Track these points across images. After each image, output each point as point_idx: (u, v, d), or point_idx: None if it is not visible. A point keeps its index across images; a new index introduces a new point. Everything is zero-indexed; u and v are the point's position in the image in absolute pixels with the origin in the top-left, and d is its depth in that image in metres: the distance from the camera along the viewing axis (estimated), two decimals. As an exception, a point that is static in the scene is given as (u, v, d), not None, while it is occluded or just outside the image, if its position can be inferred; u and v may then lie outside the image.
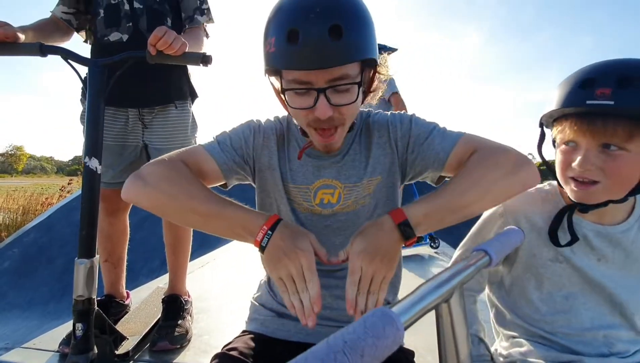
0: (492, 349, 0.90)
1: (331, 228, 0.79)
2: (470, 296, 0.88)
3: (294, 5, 0.61)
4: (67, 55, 1.07)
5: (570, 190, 0.71)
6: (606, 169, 0.66)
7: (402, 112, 0.83)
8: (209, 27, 1.43)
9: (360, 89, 0.67)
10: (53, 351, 1.19)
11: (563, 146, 0.71)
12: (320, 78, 0.62)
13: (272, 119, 0.85)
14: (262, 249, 0.61)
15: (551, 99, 0.74)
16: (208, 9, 1.39)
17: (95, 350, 1.02)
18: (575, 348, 0.77)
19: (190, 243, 1.49)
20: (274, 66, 0.65)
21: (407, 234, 0.60)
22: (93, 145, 1.04)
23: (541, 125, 0.79)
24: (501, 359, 0.85)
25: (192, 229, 1.48)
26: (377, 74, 0.72)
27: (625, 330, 0.78)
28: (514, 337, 0.84)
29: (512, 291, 0.85)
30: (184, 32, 1.33)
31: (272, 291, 0.85)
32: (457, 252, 0.92)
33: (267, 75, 0.70)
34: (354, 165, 0.79)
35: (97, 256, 1.05)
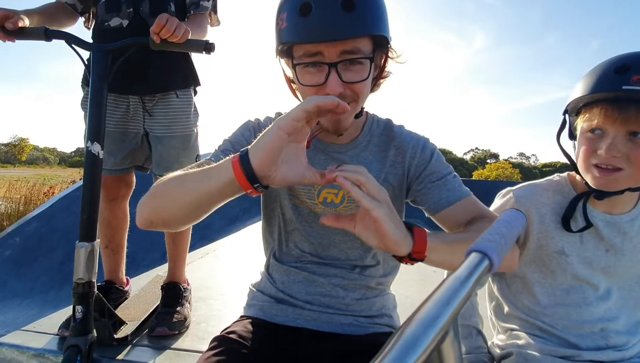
0: (489, 342, 0.89)
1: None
2: None
3: None
4: (71, 40, 1.07)
5: (592, 177, 0.71)
6: (632, 157, 0.66)
7: (425, 137, 0.81)
8: (220, 19, 1.42)
9: (372, 65, 0.65)
10: (53, 334, 1.20)
11: (588, 133, 0.71)
12: (332, 51, 0.61)
13: (272, 115, 0.83)
14: (244, 161, 0.53)
15: (576, 88, 0.73)
16: None
17: (95, 333, 1.03)
18: (572, 341, 0.77)
19: (190, 232, 1.49)
20: (286, 41, 0.64)
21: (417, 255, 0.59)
22: (95, 130, 1.05)
23: (565, 113, 0.78)
24: (498, 351, 0.85)
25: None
26: (388, 58, 0.71)
27: (623, 322, 0.78)
28: (511, 330, 0.84)
29: (513, 283, 0.85)
30: (188, 19, 1.32)
31: (272, 277, 0.85)
32: None
33: (278, 58, 0.69)
34: None
35: (97, 240, 1.05)
